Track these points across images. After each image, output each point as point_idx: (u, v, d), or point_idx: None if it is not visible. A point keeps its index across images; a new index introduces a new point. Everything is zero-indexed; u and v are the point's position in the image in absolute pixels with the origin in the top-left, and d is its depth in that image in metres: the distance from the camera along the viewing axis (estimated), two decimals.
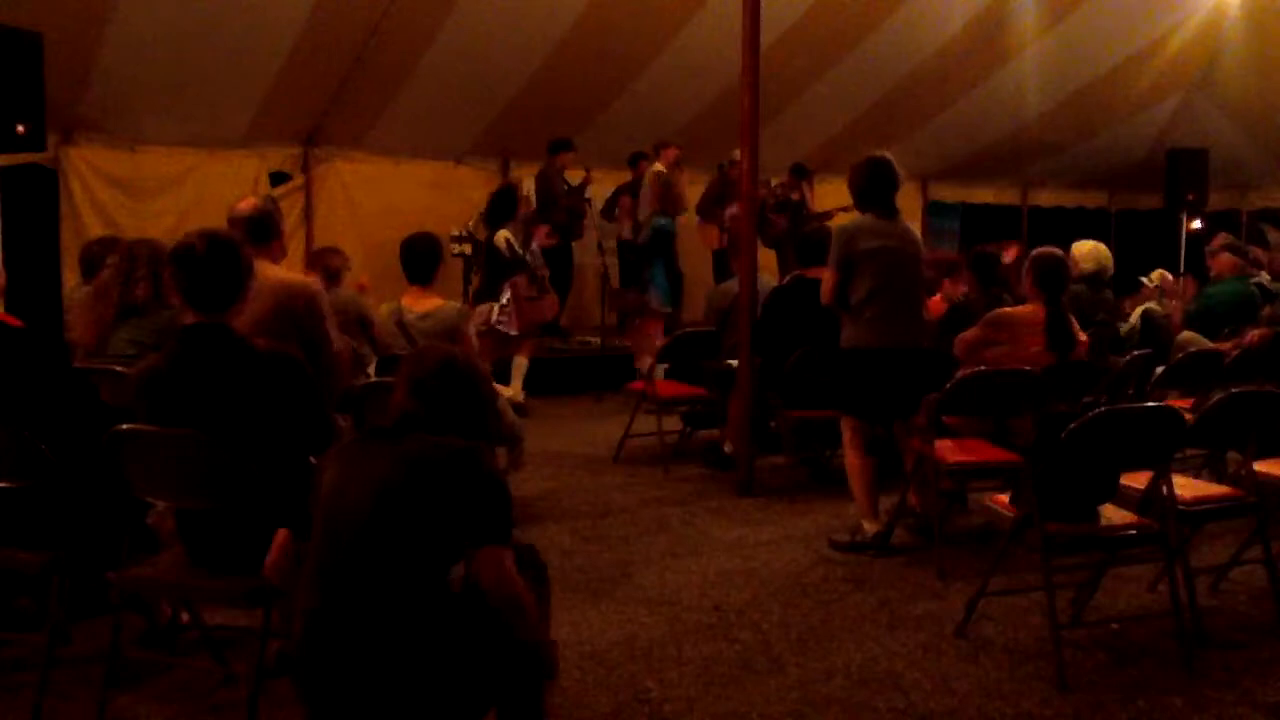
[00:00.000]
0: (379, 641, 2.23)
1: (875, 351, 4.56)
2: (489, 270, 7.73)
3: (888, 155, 4.78)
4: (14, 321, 3.14)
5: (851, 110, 10.46)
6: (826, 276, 4.69)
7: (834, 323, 4.83)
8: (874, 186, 4.70)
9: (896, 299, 4.57)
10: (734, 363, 5.78)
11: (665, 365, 6.62)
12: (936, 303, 5.77)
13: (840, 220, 9.27)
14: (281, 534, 2.60)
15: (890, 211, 4.69)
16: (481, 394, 2.51)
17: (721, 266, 9.58)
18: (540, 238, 8.32)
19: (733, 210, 8.80)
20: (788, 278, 6.36)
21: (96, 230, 7.39)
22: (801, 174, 10.31)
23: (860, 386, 4.63)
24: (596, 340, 9.00)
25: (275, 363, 2.90)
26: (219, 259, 2.86)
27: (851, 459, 4.67)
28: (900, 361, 4.57)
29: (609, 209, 9.85)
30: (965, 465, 4.55)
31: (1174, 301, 7.67)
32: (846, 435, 4.69)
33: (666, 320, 9.34)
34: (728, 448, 6.10)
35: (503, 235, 7.61)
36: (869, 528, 4.59)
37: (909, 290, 4.64)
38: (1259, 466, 3.86)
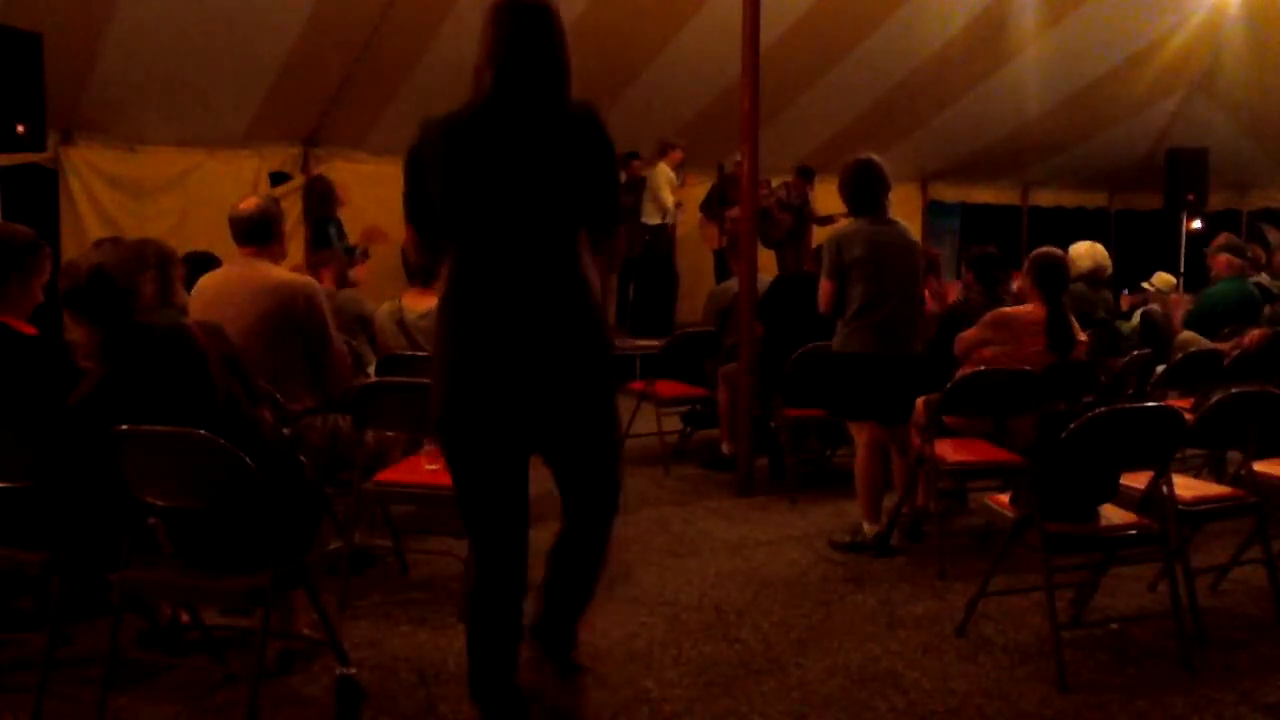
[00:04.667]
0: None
1: (866, 357, 4.55)
2: None
3: (874, 157, 4.74)
4: (28, 329, 3.15)
5: (851, 110, 10.46)
6: (822, 286, 4.67)
7: (828, 322, 4.84)
8: (863, 190, 4.67)
9: (891, 306, 4.54)
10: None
11: None
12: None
13: (841, 223, 9.31)
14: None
15: (882, 214, 4.66)
16: None
17: (723, 266, 9.60)
18: None
19: (733, 213, 8.83)
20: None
21: (96, 230, 7.39)
22: (807, 176, 10.33)
23: (850, 391, 4.62)
24: None
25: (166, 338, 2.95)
26: (101, 288, 2.92)
27: (862, 457, 4.67)
28: (890, 367, 4.57)
29: None
30: (965, 465, 4.55)
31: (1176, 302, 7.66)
32: (858, 435, 4.69)
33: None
34: (725, 449, 6.11)
35: None
36: (869, 529, 4.58)
37: (904, 295, 4.61)
38: (1259, 466, 3.86)
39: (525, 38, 2.50)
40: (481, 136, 2.48)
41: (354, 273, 6.58)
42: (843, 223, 9.26)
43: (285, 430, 3.46)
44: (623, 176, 9.74)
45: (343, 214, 8.38)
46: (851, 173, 4.72)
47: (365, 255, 7.45)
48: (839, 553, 4.57)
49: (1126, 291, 8.17)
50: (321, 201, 7.33)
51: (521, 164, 2.46)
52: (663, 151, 9.60)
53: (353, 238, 8.03)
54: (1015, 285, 5.94)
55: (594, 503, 2.77)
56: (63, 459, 3.00)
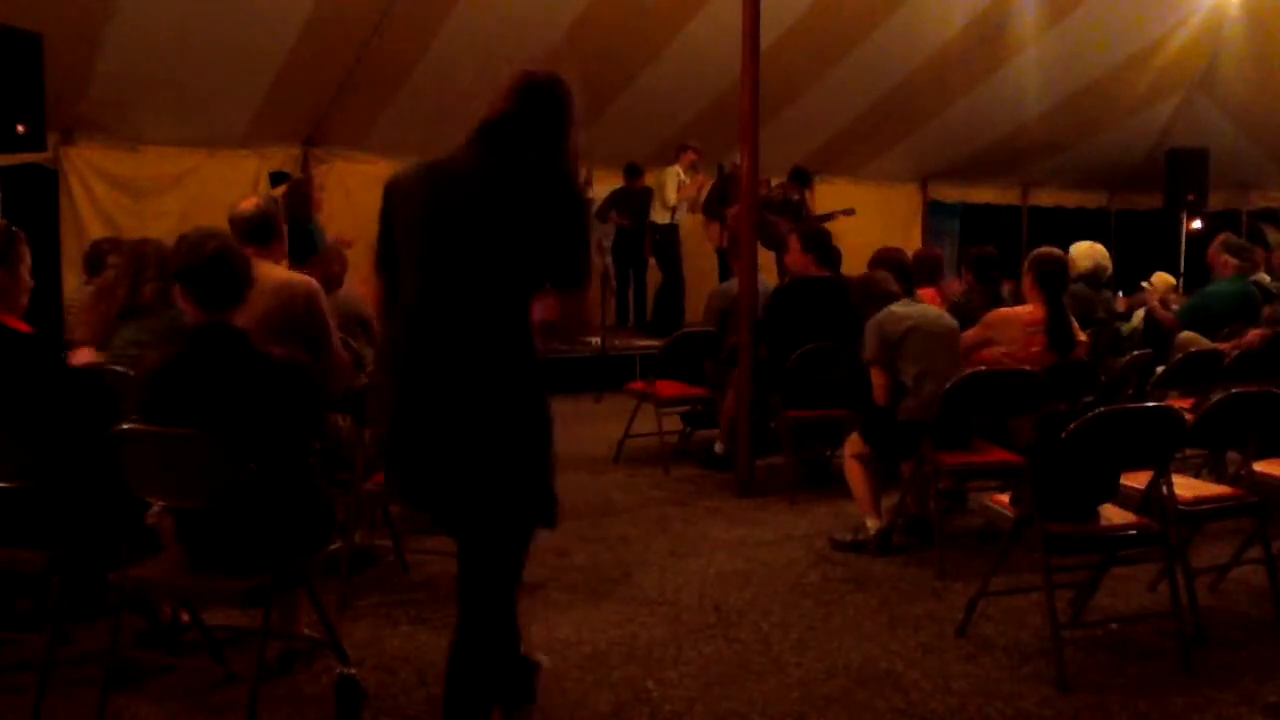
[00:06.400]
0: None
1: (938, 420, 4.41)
2: None
3: (893, 252, 4.97)
4: (23, 327, 3.14)
5: (851, 110, 10.47)
6: (874, 377, 4.59)
7: (835, 322, 4.81)
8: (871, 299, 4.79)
9: (945, 371, 4.43)
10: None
11: None
12: (924, 295, 5.76)
13: (841, 222, 9.32)
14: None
15: (912, 295, 4.76)
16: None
17: (727, 266, 9.63)
18: None
19: (734, 210, 8.87)
20: (786, 279, 6.36)
21: (96, 230, 7.39)
22: (802, 179, 10.36)
23: (913, 446, 4.51)
24: (596, 340, 9.01)
25: (286, 372, 2.95)
26: (226, 257, 2.90)
27: (853, 465, 4.67)
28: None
29: (603, 212, 9.89)
30: (965, 465, 4.55)
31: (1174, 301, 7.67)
32: (853, 448, 4.69)
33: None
34: (718, 448, 6.11)
35: None
36: (871, 524, 4.58)
37: (952, 360, 4.54)
38: (1259, 466, 3.86)
39: (517, 104, 2.45)
40: (433, 188, 2.43)
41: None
42: (840, 219, 9.30)
43: None
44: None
45: (342, 213, 8.40)
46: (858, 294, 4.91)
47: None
48: (840, 552, 4.57)
49: (1122, 294, 8.17)
50: (298, 206, 7.30)
51: (464, 220, 2.37)
52: (676, 154, 9.71)
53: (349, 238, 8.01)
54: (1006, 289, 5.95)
55: (480, 592, 2.48)
56: (61, 458, 3.00)
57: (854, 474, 4.68)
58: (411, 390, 2.41)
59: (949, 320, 4.69)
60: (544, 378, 2.45)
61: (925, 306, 4.73)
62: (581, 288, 2.47)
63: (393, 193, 2.50)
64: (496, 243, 2.36)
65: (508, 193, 2.37)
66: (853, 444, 4.72)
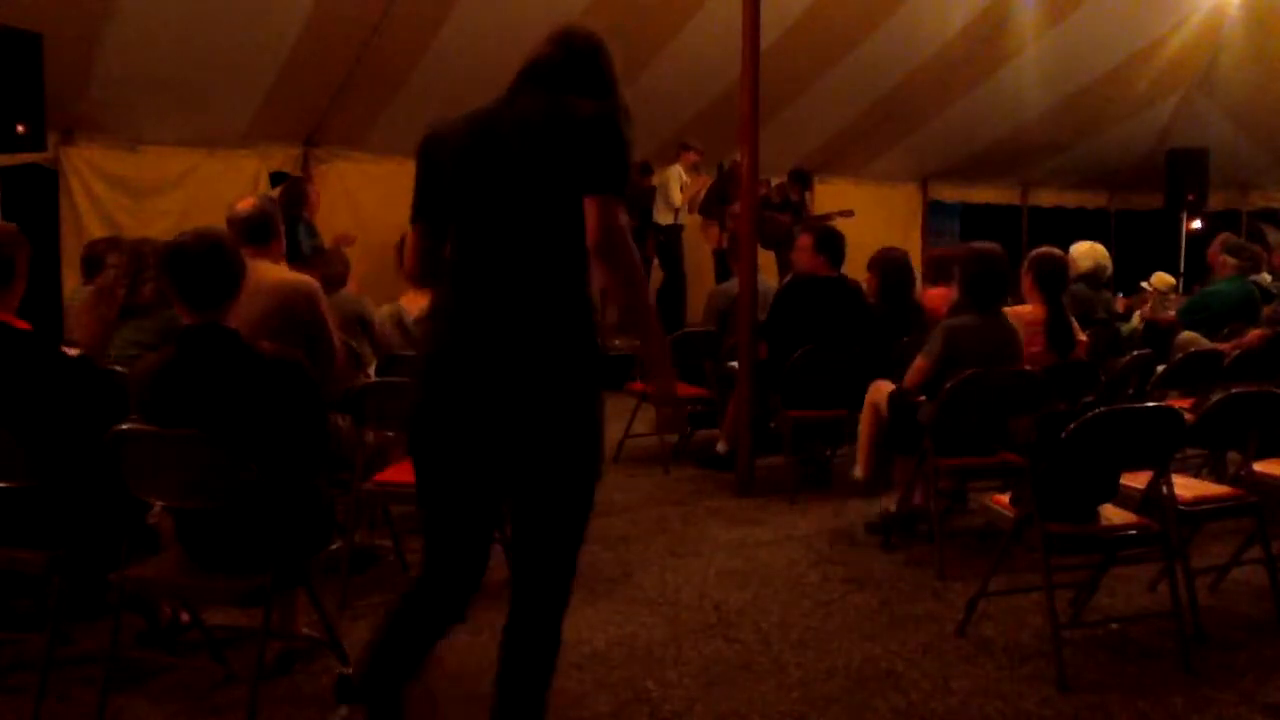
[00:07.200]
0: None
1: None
2: None
3: (999, 250, 4.43)
4: (21, 324, 3.15)
5: (851, 110, 10.47)
6: (920, 365, 4.47)
7: (842, 322, 4.79)
8: (985, 283, 4.39)
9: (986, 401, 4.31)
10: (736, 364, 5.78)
11: None
12: (935, 295, 5.75)
13: (840, 223, 9.32)
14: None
15: (995, 312, 4.41)
16: None
17: (724, 266, 9.64)
18: None
19: (734, 209, 8.88)
20: (788, 277, 6.36)
21: (96, 230, 7.38)
22: (802, 180, 10.34)
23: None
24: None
25: (281, 369, 2.93)
26: (213, 257, 2.88)
27: (869, 414, 4.75)
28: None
29: None
30: (965, 465, 4.55)
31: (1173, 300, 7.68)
32: (876, 395, 4.73)
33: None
34: (720, 447, 6.11)
35: None
36: (858, 473, 4.65)
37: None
38: (1259, 466, 3.86)
39: (556, 49, 2.56)
40: (480, 137, 2.40)
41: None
42: (838, 221, 9.32)
43: None
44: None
45: (342, 213, 8.40)
46: (977, 263, 4.41)
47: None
48: (839, 551, 4.57)
49: (1122, 294, 8.18)
50: (291, 202, 7.30)
51: (507, 163, 2.35)
52: (677, 153, 9.72)
53: (327, 239, 8.01)
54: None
55: (543, 568, 2.46)
56: (60, 458, 3.00)
57: (866, 422, 4.68)
58: (471, 345, 2.35)
59: (1020, 342, 4.44)
60: (596, 326, 2.44)
61: (1001, 325, 4.41)
62: (619, 197, 2.37)
63: (433, 144, 2.45)
64: (548, 184, 2.34)
65: (556, 134, 2.36)
66: (877, 391, 4.71)
